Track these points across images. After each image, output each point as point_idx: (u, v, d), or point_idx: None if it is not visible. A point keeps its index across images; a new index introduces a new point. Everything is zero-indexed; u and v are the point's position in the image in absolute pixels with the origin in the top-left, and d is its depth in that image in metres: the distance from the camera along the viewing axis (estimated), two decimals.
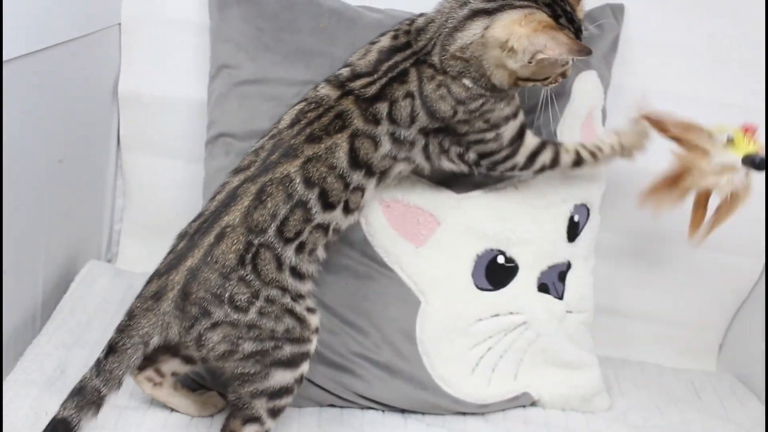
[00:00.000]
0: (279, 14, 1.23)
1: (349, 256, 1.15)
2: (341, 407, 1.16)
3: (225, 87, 1.22)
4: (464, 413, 1.19)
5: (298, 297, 0.98)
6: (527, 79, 0.98)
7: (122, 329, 0.95)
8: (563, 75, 1.03)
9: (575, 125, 1.21)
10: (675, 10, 1.35)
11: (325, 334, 1.09)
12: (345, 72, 1.03)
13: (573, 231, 1.21)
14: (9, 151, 1.06)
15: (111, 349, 0.94)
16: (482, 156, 1.06)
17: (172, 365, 1.06)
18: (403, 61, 1.01)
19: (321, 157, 0.97)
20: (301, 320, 0.98)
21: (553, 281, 1.21)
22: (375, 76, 1.01)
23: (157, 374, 1.06)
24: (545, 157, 1.09)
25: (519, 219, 1.17)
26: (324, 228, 1.00)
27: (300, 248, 0.98)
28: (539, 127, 1.19)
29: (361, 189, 1.02)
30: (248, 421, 0.98)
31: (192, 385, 1.13)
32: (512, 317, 1.18)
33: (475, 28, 0.96)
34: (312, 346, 1.00)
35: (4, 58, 0.99)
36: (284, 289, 0.97)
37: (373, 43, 1.05)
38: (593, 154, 1.12)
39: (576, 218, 1.21)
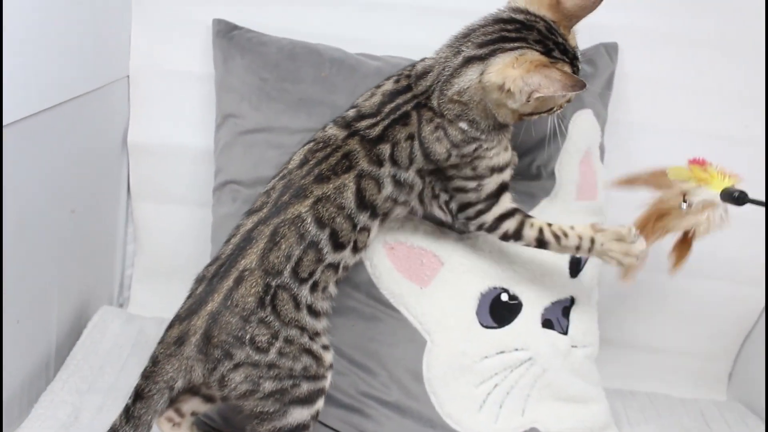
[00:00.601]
0: (281, 64, 1.27)
1: (355, 298, 1.17)
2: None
3: (230, 135, 1.26)
4: None
5: (314, 335, 1.01)
6: (531, 114, 1.01)
7: (147, 375, 0.97)
8: (568, 100, 1.05)
9: (573, 163, 1.23)
10: (667, 46, 1.38)
11: (334, 375, 1.10)
12: (351, 113, 1.07)
13: (575, 267, 1.23)
14: (23, 203, 1.10)
15: (138, 395, 0.96)
16: (461, 207, 1.08)
17: (192, 404, 1.07)
18: (405, 104, 1.04)
19: (330, 197, 1.01)
20: (317, 358, 1.00)
21: (557, 317, 1.22)
22: (378, 117, 1.04)
23: (177, 414, 1.08)
24: (510, 224, 1.08)
25: (521, 257, 1.19)
26: (335, 267, 1.03)
27: (314, 287, 1.01)
28: (539, 166, 1.22)
29: (367, 229, 1.04)
30: None
31: (204, 427, 1.15)
32: (517, 354, 1.19)
33: (471, 74, 0.99)
34: (327, 383, 1.02)
35: (17, 117, 1.03)
36: (302, 329, 0.99)
37: (378, 86, 1.09)
38: (557, 238, 1.08)
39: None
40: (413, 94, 1.05)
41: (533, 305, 1.20)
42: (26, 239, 1.12)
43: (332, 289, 1.05)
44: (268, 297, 0.97)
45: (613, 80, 1.35)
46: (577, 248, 1.08)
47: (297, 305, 0.99)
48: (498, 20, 0.99)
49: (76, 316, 1.33)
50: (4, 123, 1.01)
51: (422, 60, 1.08)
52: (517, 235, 1.08)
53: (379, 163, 1.02)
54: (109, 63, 1.35)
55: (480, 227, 1.09)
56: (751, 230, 1.39)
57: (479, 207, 1.07)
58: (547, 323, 1.21)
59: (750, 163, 1.38)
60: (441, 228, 1.18)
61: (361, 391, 1.16)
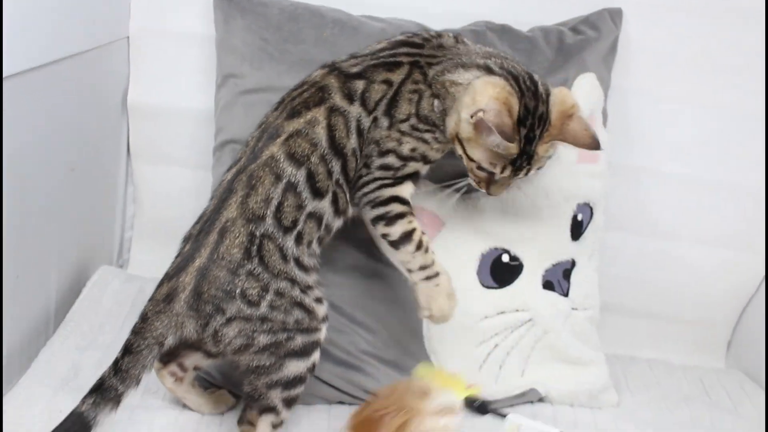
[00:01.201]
0: (283, 25, 1.26)
1: (356, 257, 1.17)
2: (350, 404, 1.17)
3: (231, 96, 1.25)
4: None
5: (306, 288, 1.00)
6: (460, 142, 1.00)
7: (137, 331, 0.97)
8: (487, 184, 1.03)
9: None
10: (671, 14, 1.37)
11: (334, 333, 1.10)
12: (343, 57, 1.07)
13: (577, 230, 1.23)
14: (23, 159, 1.09)
15: (127, 350, 0.96)
16: (379, 167, 1.04)
17: (194, 359, 1.08)
18: (403, 55, 1.04)
19: (301, 132, 1.00)
20: (309, 311, 1.00)
21: (558, 279, 1.22)
22: (367, 57, 1.05)
23: (180, 369, 1.08)
24: (397, 208, 1.04)
25: (523, 218, 1.19)
26: (317, 219, 1.02)
27: (299, 239, 1.00)
28: None
29: (341, 187, 1.03)
30: (264, 411, 1.00)
31: (204, 383, 1.15)
32: (518, 314, 1.19)
33: (470, 75, 1.00)
34: (321, 335, 1.02)
35: (17, 70, 1.03)
36: (292, 281, 0.99)
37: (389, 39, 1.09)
38: (419, 245, 1.03)
39: (579, 217, 1.23)
40: (419, 52, 1.04)
41: (534, 266, 1.20)
42: (26, 193, 1.12)
43: (315, 246, 1.04)
44: (254, 247, 0.97)
45: (617, 46, 1.34)
46: (422, 268, 1.04)
47: (284, 257, 0.98)
48: (531, 77, 1.00)
49: (75, 275, 1.33)
50: (14, 72, 1.00)
51: (451, 37, 1.08)
52: (393, 221, 1.03)
53: (350, 100, 1.02)
54: (109, 22, 1.34)
55: (371, 201, 1.04)
56: (752, 199, 1.39)
57: (384, 179, 1.04)
58: (547, 285, 1.21)
59: (752, 135, 1.38)
60: (442, 189, 1.18)
61: (361, 349, 1.16)
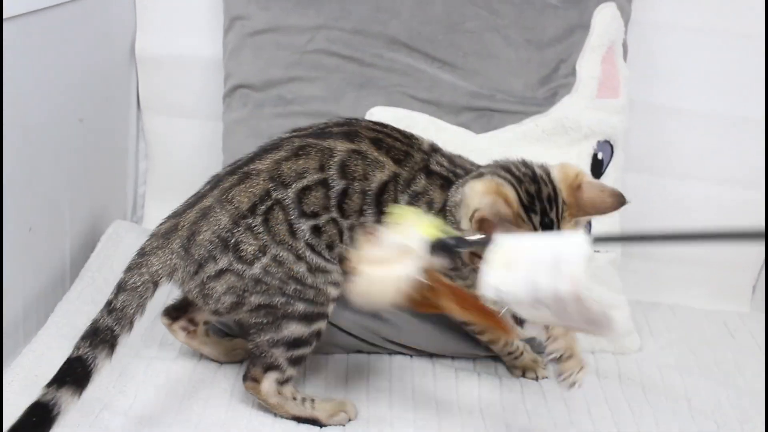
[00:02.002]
0: None
1: None
2: (369, 353, 1.16)
3: (239, 39, 1.22)
4: (494, 357, 1.18)
5: (317, 270, 0.95)
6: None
7: (131, 267, 0.94)
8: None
9: (595, 59, 1.19)
10: None
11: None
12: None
13: (597, 168, 1.19)
14: (28, 105, 1.07)
15: (120, 287, 0.93)
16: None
17: (203, 315, 1.06)
18: (437, 163, 0.98)
19: (366, 159, 0.95)
20: (314, 288, 0.95)
21: None
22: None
23: (191, 323, 1.07)
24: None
25: (541, 157, 1.14)
26: (338, 226, 0.96)
27: (316, 231, 0.95)
28: (560, 61, 1.17)
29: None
30: (269, 368, 0.97)
31: (220, 333, 1.15)
32: None
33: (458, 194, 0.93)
34: (329, 310, 0.98)
35: (17, 12, 1.00)
36: (299, 257, 0.94)
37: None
38: None
39: (600, 155, 1.19)
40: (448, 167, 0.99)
41: None
42: (33, 142, 1.10)
43: (330, 254, 0.97)
44: (263, 206, 0.92)
45: None
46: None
47: (293, 233, 0.93)
48: (524, 163, 0.93)
49: (89, 229, 1.32)
50: (7, 15, 0.98)
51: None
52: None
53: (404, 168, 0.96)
54: None
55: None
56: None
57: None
58: None
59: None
60: (458, 128, 1.15)
61: None
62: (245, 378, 1.00)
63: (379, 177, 0.95)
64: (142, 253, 0.95)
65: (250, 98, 1.20)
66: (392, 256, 0.78)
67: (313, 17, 1.18)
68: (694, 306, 1.41)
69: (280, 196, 0.93)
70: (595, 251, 1.19)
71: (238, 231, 0.92)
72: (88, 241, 1.31)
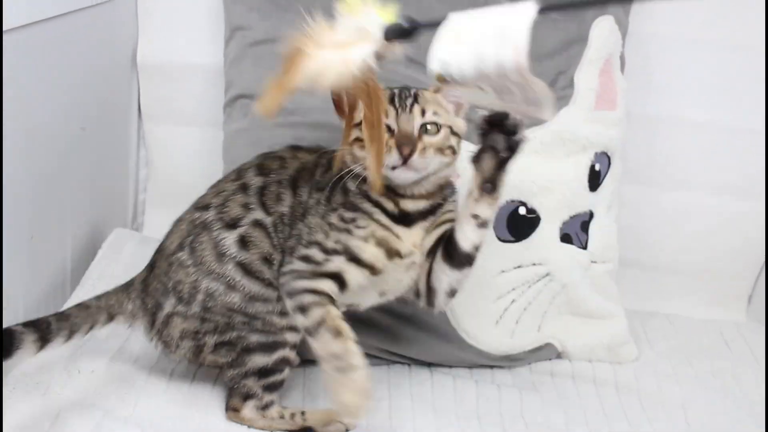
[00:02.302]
0: None
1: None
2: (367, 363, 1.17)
3: (240, 48, 1.23)
4: (491, 366, 1.19)
5: (253, 299, 0.93)
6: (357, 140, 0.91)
7: (98, 296, 1.00)
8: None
9: (593, 71, 1.20)
10: None
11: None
12: None
13: (594, 180, 1.20)
14: (32, 117, 1.08)
15: (80, 304, 0.98)
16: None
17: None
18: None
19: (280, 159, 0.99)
20: (259, 318, 0.94)
21: (576, 231, 1.20)
22: None
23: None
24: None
25: (539, 169, 1.17)
26: (264, 230, 0.95)
27: (243, 243, 0.93)
28: (559, 73, 1.18)
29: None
30: (246, 398, 0.98)
31: None
32: (535, 268, 1.18)
33: None
34: (287, 338, 0.96)
35: (20, 23, 1.01)
36: (230, 286, 0.93)
37: None
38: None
39: (597, 167, 1.20)
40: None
41: (552, 219, 1.18)
42: (36, 151, 1.11)
43: (268, 272, 0.94)
44: (190, 237, 0.94)
45: None
46: (336, 357, 0.87)
47: (219, 255, 0.93)
48: None
49: (90, 237, 1.33)
50: (11, 26, 0.99)
51: None
52: (305, 308, 0.91)
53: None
54: None
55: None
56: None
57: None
58: (565, 238, 1.19)
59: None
60: None
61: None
62: (226, 409, 1.00)
63: (293, 165, 0.98)
64: (114, 291, 1.01)
65: (251, 108, 1.20)
66: (349, 39, 0.75)
67: None
68: (691, 315, 1.42)
69: (203, 217, 0.96)
70: (592, 261, 1.21)
71: (173, 271, 0.94)
72: (88, 248, 1.32)
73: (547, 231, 1.18)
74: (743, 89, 1.35)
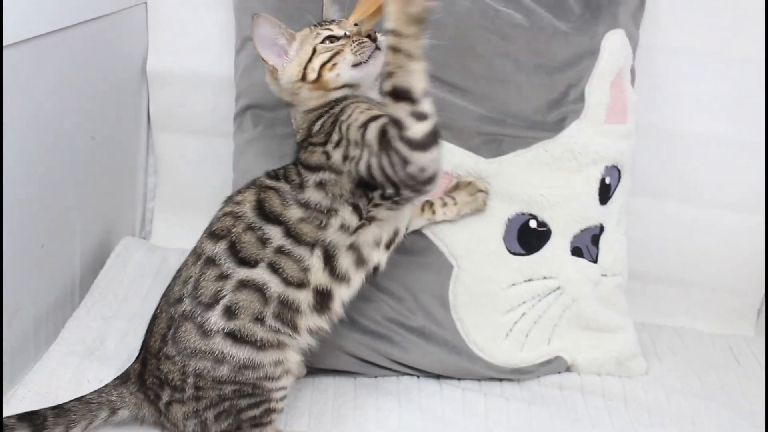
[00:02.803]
0: None
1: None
2: (376, 376, 1.17)
3: (250, 59, 1.23)
4: (500, 379, 1.19)
5: (243, 368, 0.93)
6: (304, 77, 1.00)
7: (98, 390, 0.98)
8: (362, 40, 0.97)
9: (604, 85, 1.19)
10: None
11: (360, 301, 1.09)
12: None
13: (605, 193, 1.20)
14: (44, 126, 1.09)
15: (80, 398, 0.96)
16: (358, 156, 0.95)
17: None
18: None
19: (227, 213, 0.98)
20: (250, 384, 0.94)
21: (587, 244, 1.19)
22: None
23: None
24: (377, 123, 0.92)
25: (550, 182, 1.16)
26: (255, 289, 0.94)
27: (229, 313, 0.93)
28: (569, 86, 1.18)
29: (289, 256, 0.97)
30: None
31: None
32: (546, 282, 1.17)
33: None
34: (277, 395, 0.97)
35: (33, 34, 1.02)
36: (217, 360, 0.93)
37: None
38: None
39: (607, 180, 1.20)
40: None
41: (562, 232, 1.17)
42: (48, 160, 1.11)
43: (273, 321, 0.94)
44: (171, 331, 0.94)
45: (645, 2, 1.29)
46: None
47: (205, 333, 0.92)
48: None
49: (99, 245, 1.33)
50: (23, 38, 1.00)
51: None
52: (389, 133, 0.90)
53: (277, 178, 1.01)
54: None
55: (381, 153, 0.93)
56: None
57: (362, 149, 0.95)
58: (576, 251, 1.19)
59: None
60: (467, 152, 1.15)
61: (387, 316, 1.15)
62: None
63: (245, 207, 0.98)
64: (113, 384, 0.99)
65: (262, 118, 1.21)
66: None
67: None
68: (700, 329, 1.41)
69: (179, 310, 0.94)
70: (602, 275, 1.21)
71: (161, 365, 0.94)
72: (97, 256, 1.32)
73: (558, 244, 1.17)
74: (754, 102, 1.34)
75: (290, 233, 0.95)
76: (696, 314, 1.44)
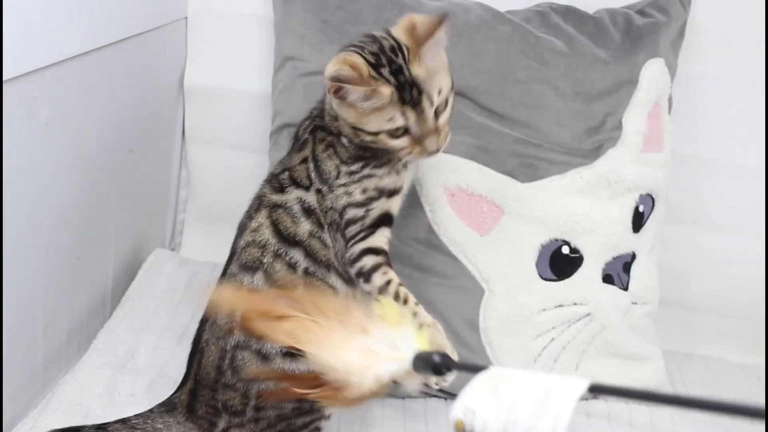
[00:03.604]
0: (342, 6, 1.24)
1: (412, 245, 1.16)
2: (403, 397, 1.17)
3: (290, 78, 1.24)
4: None
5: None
6: (359, 130, 0.93)
7: (144, 415, 0.98)
8: (415, 143, 0.92)
9: (641, 114, 1.19)
10: None
11: None
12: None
13: (638, 221, 1.20)
14: (86, 141, 1.10)
15: (124, 421, 0.96)
16: (345, 227, 0.97)
17: None
18: (305, 131, 1.02)
19: (250, 242, 0.98)
20: (310, 402, 0.94)
21: (618, 272, 1.19)
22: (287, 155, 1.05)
23: None
24: (368, 261, 0.96)
25: (584, 209, 1.16)
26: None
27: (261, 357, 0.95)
28: (607, 115, 1.18)
29: (315, 275, 0.98)
30: None
31: None
32: (576, 308, 1.17)
33: None
34: (326, 412, 0.99)
35: (80, 51, 1.03)
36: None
37: None
38: (396, 296, 0.94)
39: (641, 208, 1.19)
40: (311, 117, 1.03)
41: (594, 259, 1.17)
42: (89, 174, 1.13)
43: None
44: (226, 362, 0.95)
45: (684, 30, 1.29)
46: (415, 315, 0.94)
47: (264, 357, 0.94)
48: (366, 34, 0.96)
49: (131, 257, 1.34)
50: (76, 53, 1.02)
51: None
52: (369, 275, 0.95)
53: (282, 190, 0.99)
54: (167, 3, 1.34)
55: (347, 260, 0.97)
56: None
57: (359, 235, 0.97)
58: (607, 278, 1.18)
59: None
60: (503, 177, 1.15)
61: None
62: None
63: (265, 231, 0.98)
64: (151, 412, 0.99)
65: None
66: (381, 351, 0.65)
67: None
68: (728, 359, 1.40)
69: (233, 342, 0.94)
70: (632, 303, 1.20)
71: (219, 394, 0.95)
72: (128, 268, 1.33)
73: (590, 271, 1.17)
74: None
75: (308, 253, 0.97)
76: (725, 343, 1.42)
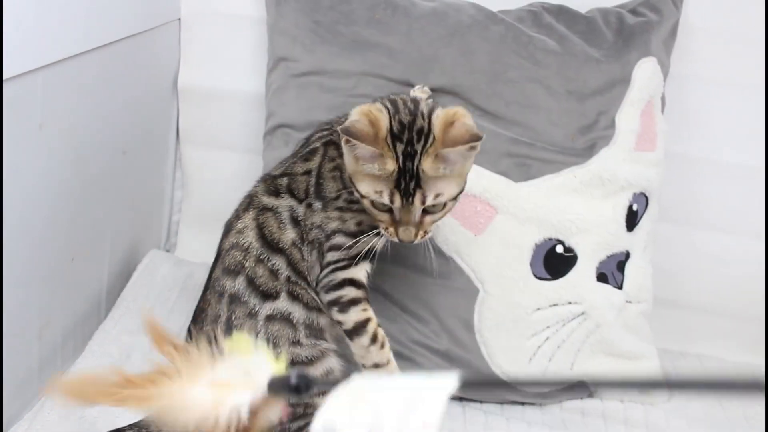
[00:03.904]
0: (335, 7, 1.24)
1: (407, 245, 1.15)
2: None
3: (283, 79, 1.24)
4: (522, 403, 1.18)
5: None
6: (352, 181, 0.92)
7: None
8: (393, 225, 0.91)
9: (634, 113, 1.20)
10: None
11: (385, 322, 1.09)
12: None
13: (632, 220, 1.20)
14: (80, 142, 1.10)
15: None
16: (328, 251, 0.97)
17: None
18: (318, 140, 1.01)
19: (234, 244, 0.97)
20: (304, 405, 0.95)
21: (612, 271, 1.19)
22: (290, 158, 1.04)
23: None
24: (349, 293, 0.96)
25: (578, 208, 1.16)
26: (284, 319, 0.95)
27: (272, 344, 0.94)
28: (600, 113, 1.18)
29: (297, 284, 0.98)
30: None
31: None
32: (571, 307, 1.17)
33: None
34: None
35: (73, 52, 1.03)
36: None
37: None
38: (374, 338, 0.95)
39: (635, 207, 1.20)
40: (329, 128, 1.01)
41: (588, 258, 1.17)
42: (84, 177, 1.13)
43: (306, 340, 0.96)
44: None
45: (677, 29, 1.30)
46: (375, 366, 0.96)
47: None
48: (413, 99, 0.95)
49: (126, 258, 1.34)
50: (70, 54, 1.02)
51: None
52: (346, 307, 0.95)
53: (277, 195, 0.98)
54: (160, 5, 1.34)
55: (324, 285, 0.97)
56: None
57: (341, 262, 0.96)
58: (601, 277, 1.18)
59: None
60: (496, 176, 1.16)
61: (412, 338, 1.15)
62: None
63: (249, 234, 0.98)
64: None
65: (291, 138, 1.21)
66: (229, 380, 0.63)
67: (359, 63, 1.20)
68: (724, 357, 1.40)
69: (218, 331, 0.94)
70: (627, 301, 1.20)
71: None
72: (123, 269, 1.33)
73: (584, 270, 1.17)
74: None
75: (290, 262, 0.96)
76: (720, 342, 1.43)
